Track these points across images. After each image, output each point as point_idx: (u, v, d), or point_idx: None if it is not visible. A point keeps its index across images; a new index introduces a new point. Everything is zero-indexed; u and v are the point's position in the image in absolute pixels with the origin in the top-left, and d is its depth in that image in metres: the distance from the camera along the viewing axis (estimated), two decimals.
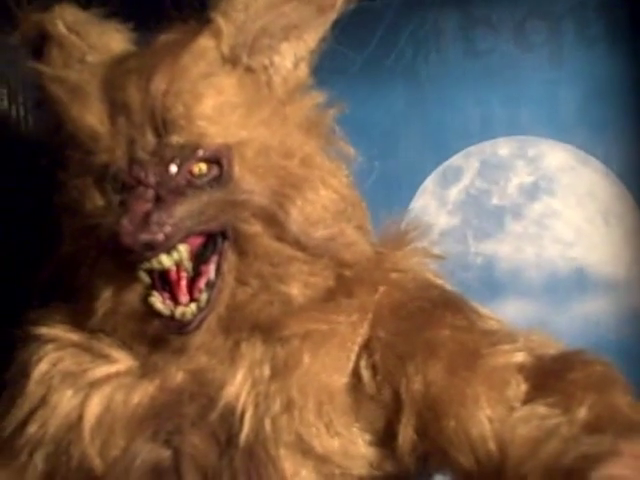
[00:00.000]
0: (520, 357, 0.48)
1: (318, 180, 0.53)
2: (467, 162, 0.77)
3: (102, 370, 0.52)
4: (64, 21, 0.58)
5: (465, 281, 0.78)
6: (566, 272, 0.76)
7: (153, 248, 0.48)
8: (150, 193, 0.49)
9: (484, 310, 0.53)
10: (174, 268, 0.49)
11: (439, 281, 0.54)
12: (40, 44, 0.58)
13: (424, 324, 0.50)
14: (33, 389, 0.53)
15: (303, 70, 0.55)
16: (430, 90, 0.77)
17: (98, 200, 0.52)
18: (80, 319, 0.55)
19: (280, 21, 0.52)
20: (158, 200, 0.48)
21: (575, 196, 0.76)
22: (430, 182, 0.78)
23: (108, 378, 0.52)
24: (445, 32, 0.76)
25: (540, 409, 0.45)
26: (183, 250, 0.49)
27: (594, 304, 0.75)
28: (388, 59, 0.77)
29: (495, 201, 0.77)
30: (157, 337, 0.52)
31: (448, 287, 0.54)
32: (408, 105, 0.78)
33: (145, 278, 0.50)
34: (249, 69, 0.52)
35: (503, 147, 0.77)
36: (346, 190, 0.55)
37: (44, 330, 0.55)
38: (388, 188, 0.77)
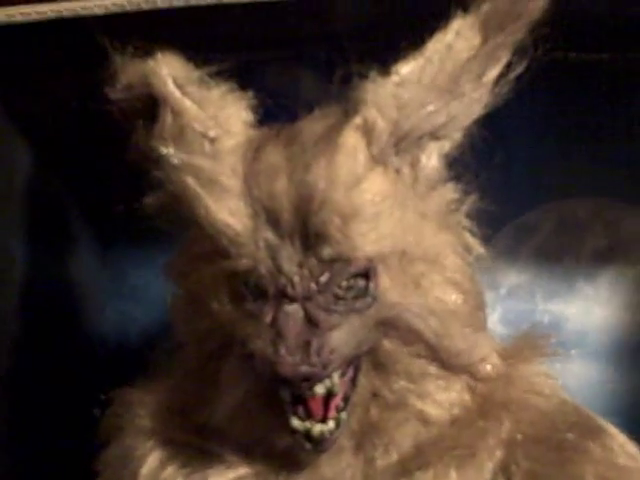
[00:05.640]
0: None
1: (456, 287, 0.50)
2: (543, 219, 0.75)
3: (218, 475, 0.49)
4: (174, 79, 0.53)
5: None
6: (635, 337, 0.75)
7: (310, 379, 0.45)
8: (299, 311, 0.45)
9: (617, 433, 0.51)
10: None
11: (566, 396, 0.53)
12: (149, 103, 0.53)
13: (569, 457, 0.48)
14: None
15: (443, 164, 0.52)
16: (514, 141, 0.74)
17: (227, 302, 0.48)
18: (187, 411, 0.52)
19: (431, 119, 0.49)
20: (309, 320, 0.45)
21: None
22: (502, 235, 0.76)
23: None
24: None
25: None
26: (336, 376, 0.46)
27: None
28: None
29: (567, 262, 0.76)
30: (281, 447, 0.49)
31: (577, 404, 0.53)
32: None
33: (287, 397, 0.47)
34: (397, 170, 0.49)
35: (582, 207, 0.75)
36: (478, 293, 0.53)
37: (145, 421, 0.52)
38: None
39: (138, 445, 0.51)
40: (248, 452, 0.50)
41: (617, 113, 0.74)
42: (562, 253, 0.76)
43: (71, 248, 0.82)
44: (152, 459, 0.51)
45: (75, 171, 0.78)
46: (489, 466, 0.49)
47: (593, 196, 0.75)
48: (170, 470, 0.50)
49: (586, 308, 0.76)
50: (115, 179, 0.76)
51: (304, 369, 0.44)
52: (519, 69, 0.52)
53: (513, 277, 0.76)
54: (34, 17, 0.58)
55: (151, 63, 0.53)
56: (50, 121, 0.74)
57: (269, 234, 0.46)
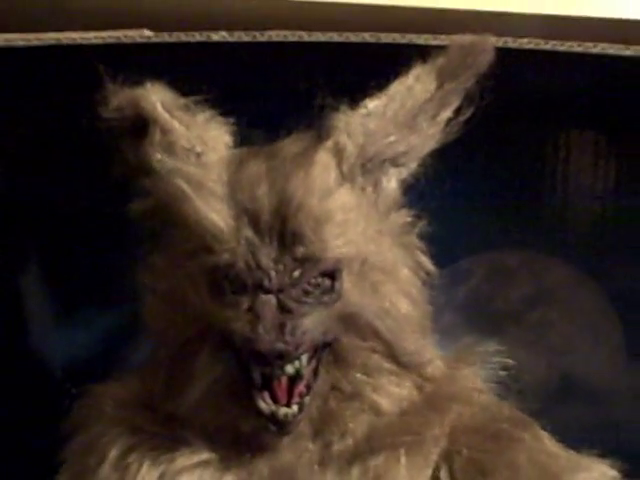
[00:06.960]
0: None
1: (408, 297, 0.57)
2: (477, 265, 0.83)
3: (185, 459, 0.54)
4: (162, 103, 0.59)
5: None
6: (556, 378, 0.82)
7: (283, 357, 0.50)
8: (273, 300, 0.51)
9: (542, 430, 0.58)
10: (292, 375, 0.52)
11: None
12: (138, 124, 0.59)
13: (505, 445, 0.54)
14: (108, 474, 0.54)
15: (399, 189, 0.59)
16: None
17: (207, 295, 0.53)
18: (157, 402, 0.56)
19: (392, 147, 0.56)
20: (283, 308, 0.51)
21: (570, 311, 0.83)
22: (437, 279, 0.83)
23: (191, 467, 0.53)
24: None
25: None
26: (304, 359, 0.52)
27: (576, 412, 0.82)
28: None
29: (497, 305, 0.83)
30: (245, 432, 0.54)
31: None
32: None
33: (257, 379, 0.52)
34: (362, 188, 0.56)
35: (511, 257, 0.83)
36: (426, 306, 0.59)
37: (113, 410, 0.56)
38: None
39: (105, 432, 0.55)
40: (214, 438, 0.54)
41: (544, 177, 0.83)
42: (492, 297, 0.83)
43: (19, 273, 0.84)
44: (119, 445, 0.54)
45: (28, 196, 0.81)
46: (435, 453, 0.54)
47: (521, 248, 0.83)
48: (136, 455, 0.53)
49: (511, 350, 0.83)
50: (67, 207, 0.80)
51: (279, 346, 0.49)
52: (466, 115, 0.60)
53: (447, 318, 0.83)
54: (34, 43, 0.63)
55: (141, 90, 0.59)
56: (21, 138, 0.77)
57: (249, 233, 0.52)
